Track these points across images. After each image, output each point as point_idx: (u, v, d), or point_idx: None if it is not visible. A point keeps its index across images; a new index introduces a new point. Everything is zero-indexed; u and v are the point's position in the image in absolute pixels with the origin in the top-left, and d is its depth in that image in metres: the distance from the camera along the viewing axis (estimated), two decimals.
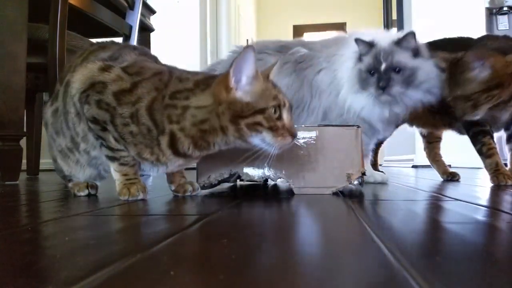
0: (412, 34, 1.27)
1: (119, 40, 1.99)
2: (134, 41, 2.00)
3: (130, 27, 1.98)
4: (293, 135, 0.84)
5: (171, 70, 0.90)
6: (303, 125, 1.13)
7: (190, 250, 0.45)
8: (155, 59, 0.97)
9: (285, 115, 0.84)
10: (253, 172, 1.03)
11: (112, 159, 0.91)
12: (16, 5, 1.49)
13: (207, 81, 0.86)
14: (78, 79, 0.89)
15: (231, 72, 0.82)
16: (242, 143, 0.85)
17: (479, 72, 1.18)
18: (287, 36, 6.94)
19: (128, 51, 0.95)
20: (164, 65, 0.95)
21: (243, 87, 0.82)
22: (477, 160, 1.36)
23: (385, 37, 1.32)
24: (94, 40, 1.88)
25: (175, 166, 0.92)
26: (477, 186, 1.32)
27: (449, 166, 1.69)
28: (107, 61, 0.90)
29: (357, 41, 1.31)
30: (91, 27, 1.90)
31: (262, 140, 0.82)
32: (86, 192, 1.00)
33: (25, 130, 1.72)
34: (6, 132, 1.49)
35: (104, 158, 0.93)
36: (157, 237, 0.51)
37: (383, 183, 1.37)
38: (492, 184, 1.27)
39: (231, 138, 0.84)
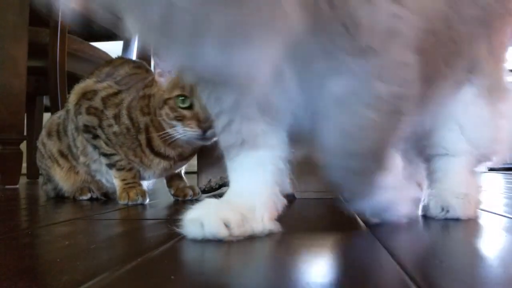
0: None
1: (119, 44, 1.99)
2: (134, 44, 2.00)
3: None
4: (201, 127, 0.81)
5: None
6: None
7: (191, 254, 0.45)
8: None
9: (197, 105, 0.82)
10: None
11: (110, 166, 0.94)
12: (17, 9, 1.50)
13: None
14: (74, 93, 0.97)
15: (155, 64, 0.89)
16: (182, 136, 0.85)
17: None
18: None
19: (124, 65, 0.99)
20: None
21: (159, 79, 0.87)
22: None
23: None
24: (94, 44, 1.89)
25: (160, 169, 0.94)
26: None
27: None
28: (104, 78, 0.96)
29: None
30: (91, 31, 1.90)
31: (177, 131, 0.84)
32: (89, 195, 1.01)
33: (25, 133, 1.72)
34: (6, 135, 1.49)
35: (104, 168, 0.96)
36: (157, 241, 0.51)
37: None
38: (495, 189, 1.26)
39: (170, 130, 0.85)
